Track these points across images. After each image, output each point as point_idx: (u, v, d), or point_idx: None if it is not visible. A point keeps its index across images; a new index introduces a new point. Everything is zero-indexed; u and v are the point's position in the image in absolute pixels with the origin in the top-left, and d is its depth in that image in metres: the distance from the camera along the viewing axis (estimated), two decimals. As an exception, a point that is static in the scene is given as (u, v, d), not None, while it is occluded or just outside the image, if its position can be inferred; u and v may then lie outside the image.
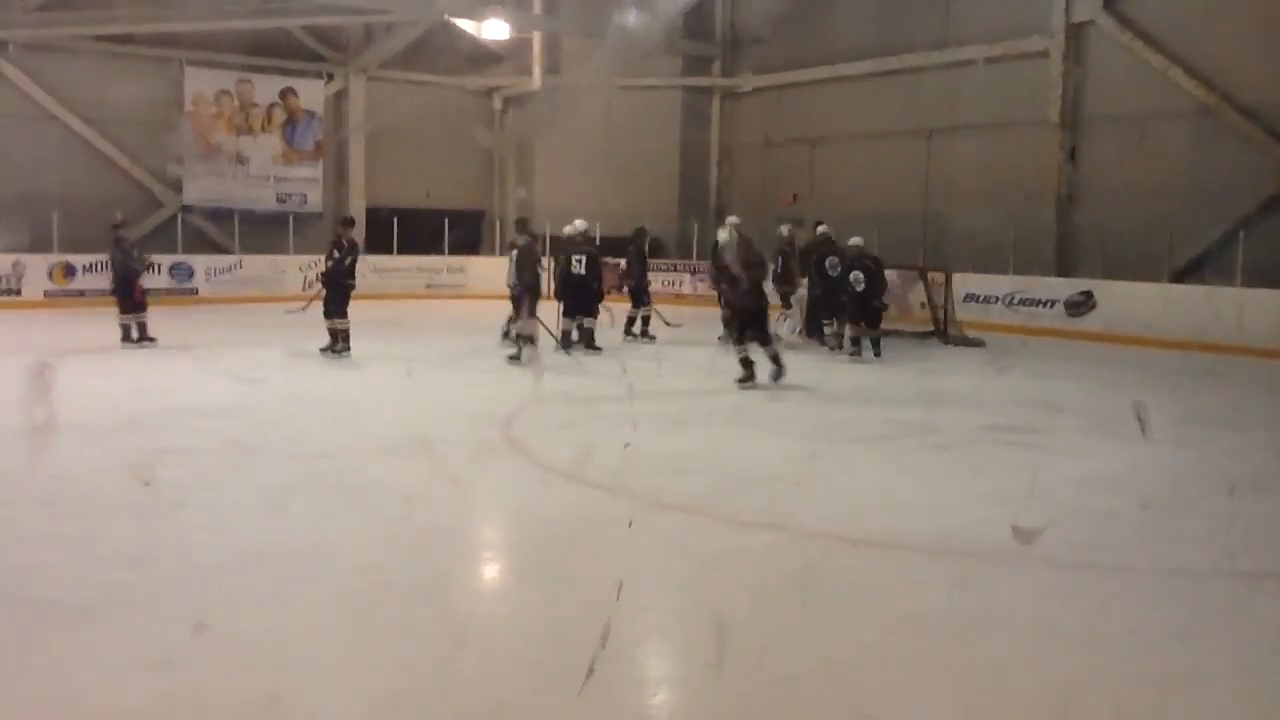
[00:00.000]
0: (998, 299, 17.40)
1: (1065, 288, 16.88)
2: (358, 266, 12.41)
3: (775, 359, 10.75)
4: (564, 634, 4.40)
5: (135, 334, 12.65)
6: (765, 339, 10.83)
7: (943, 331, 15.27)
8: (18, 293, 18.36)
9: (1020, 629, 4.57)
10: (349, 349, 12.16)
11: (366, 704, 3.74)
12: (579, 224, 13.78)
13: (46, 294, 18.46)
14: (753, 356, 10.70)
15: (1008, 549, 5.66)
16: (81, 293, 18.71)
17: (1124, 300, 16.03)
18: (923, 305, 15.72)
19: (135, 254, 13.27)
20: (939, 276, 15.73)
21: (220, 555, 5.29)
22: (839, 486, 7.06)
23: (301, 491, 6.58)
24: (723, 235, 11.94)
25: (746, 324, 10.82)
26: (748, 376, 10.65)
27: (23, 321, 15.62)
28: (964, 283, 16.75)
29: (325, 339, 12.06)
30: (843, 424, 9.24)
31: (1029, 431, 8.96)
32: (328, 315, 12.21)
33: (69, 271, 18.80)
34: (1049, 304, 16.90)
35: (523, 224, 13.66)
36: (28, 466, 7.04)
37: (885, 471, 7.52)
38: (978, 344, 14.93)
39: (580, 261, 13.42)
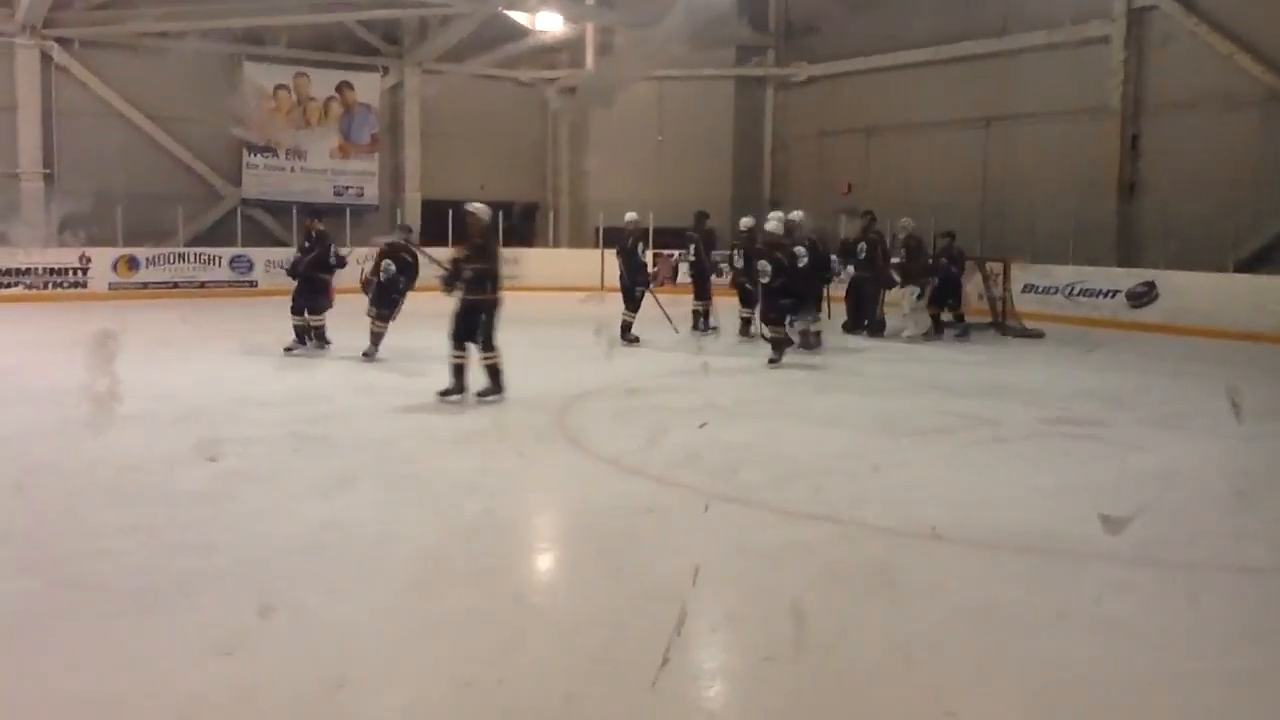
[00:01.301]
0: (1057, 290, 17.13)
1: (1127, 278, 16.57)
2: (332, 258, 12.06)
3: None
4: (622, 625, 4.41)
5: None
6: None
7: (1001, 323, 15.08)
8: (84, 285, 18.76)
9: (1083, 625, 4.50)
10: (328, 344, 12.03)
11: (428, 691, 3.77)
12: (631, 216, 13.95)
13: (111, 286, 18.83)
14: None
15: (1070, 544, 5.59)
16: (144, 285, 19.09)
17: (1187, 291, 15.67)
18: (981, 296, 15.53)
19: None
20: (997, 267, 15.52)
21: (281, 543, 5.37)
22: (898, 480, 7.00)
23: (361, 480, 6.65)
24: (771, 224, 12.17)
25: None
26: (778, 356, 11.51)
27: (88, 313, 15.94)
28: (1023, 273, 16.53)
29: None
30: (901, 417, 9.15)
31: (1091, 425, 8.82)
32: (295, 311, 11.99)
33: (133, 264, 19.16)
34: (1110, 295, 16.61)
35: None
36: (95, 457, 7.18)
37: (945, 465, 7.44)
38: (1037, 335, 14.74)
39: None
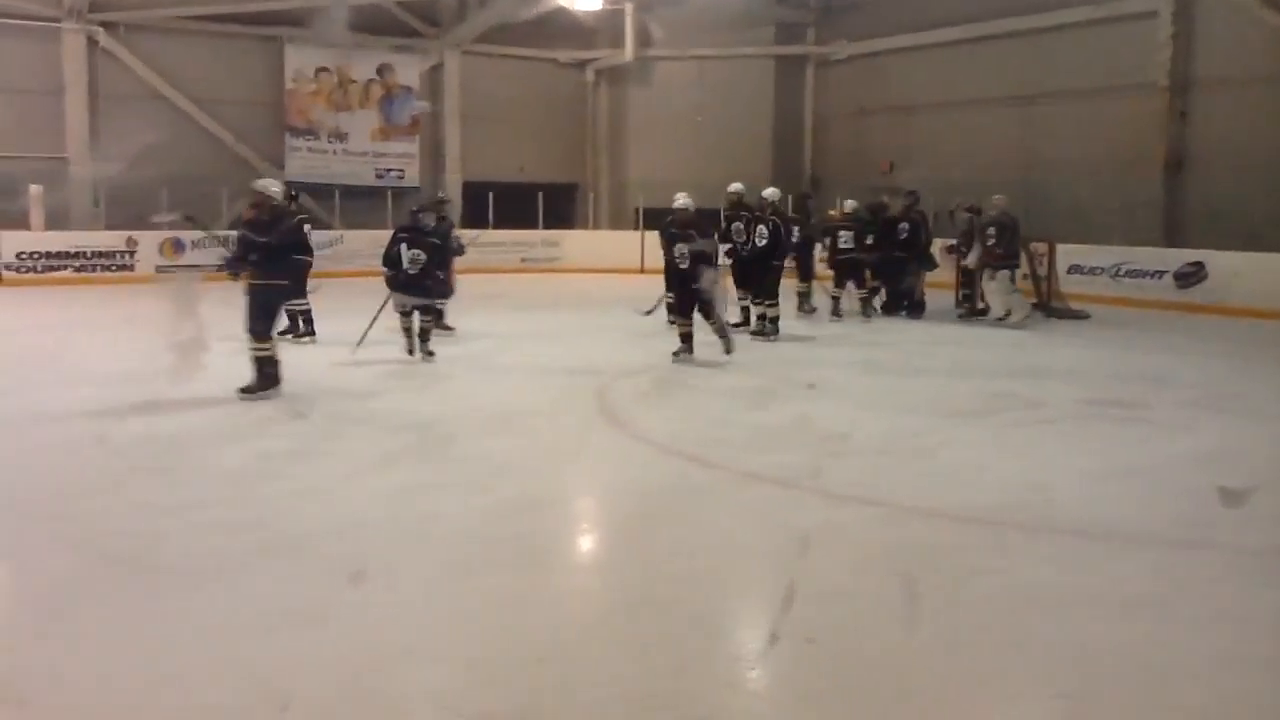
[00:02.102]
0: (1103, 270, 16.90)
1: (1174, 258, 16.30)
2: (310, 240, 11.16)
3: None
4: (663, 604, 4.42)
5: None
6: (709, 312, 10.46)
7: (1045, 304, 14.91)
8: (130, 268, 19.02)
9: (1127, 608, 4.46)
10: (313, 332, 11.56)
11: (467, 670, 3.81)
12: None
13: (158, 268, 19.07)
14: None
15: (1114, 526, 5.54)
16: (190, 267, 19.30)
17: (1236, 272, 15.37)
18: (1025, 277, 15.35)
19: (454, 235, 12.21)
20: (1041, 247, 15.32)
21: (326, 522, 5.44)
22: (937, 461, 6.96)
23: (402, 461, 6.71)
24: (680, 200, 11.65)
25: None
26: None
27: (134, 296, 16.16)
28: (1068, 254, 16.30)
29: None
30: (942, 397, 9.09)
31: (1135, 406, 8.72)
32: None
33: (178, 247, 19.40)
34: (1157, 275, 16.35)
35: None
36: (141, 435, 7.30)
37: (986, 446, 7.38)
38: (1082, 316, 14.56)
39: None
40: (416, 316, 10.33)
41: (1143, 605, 4.48)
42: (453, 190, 24.07)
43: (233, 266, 8.69)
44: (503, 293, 17.27)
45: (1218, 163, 16.81)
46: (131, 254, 19.15)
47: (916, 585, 4.64)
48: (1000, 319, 13.67)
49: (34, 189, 19.12)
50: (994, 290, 13.84)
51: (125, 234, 19.16)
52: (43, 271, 18.50)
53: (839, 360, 10.99)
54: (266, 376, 8.39)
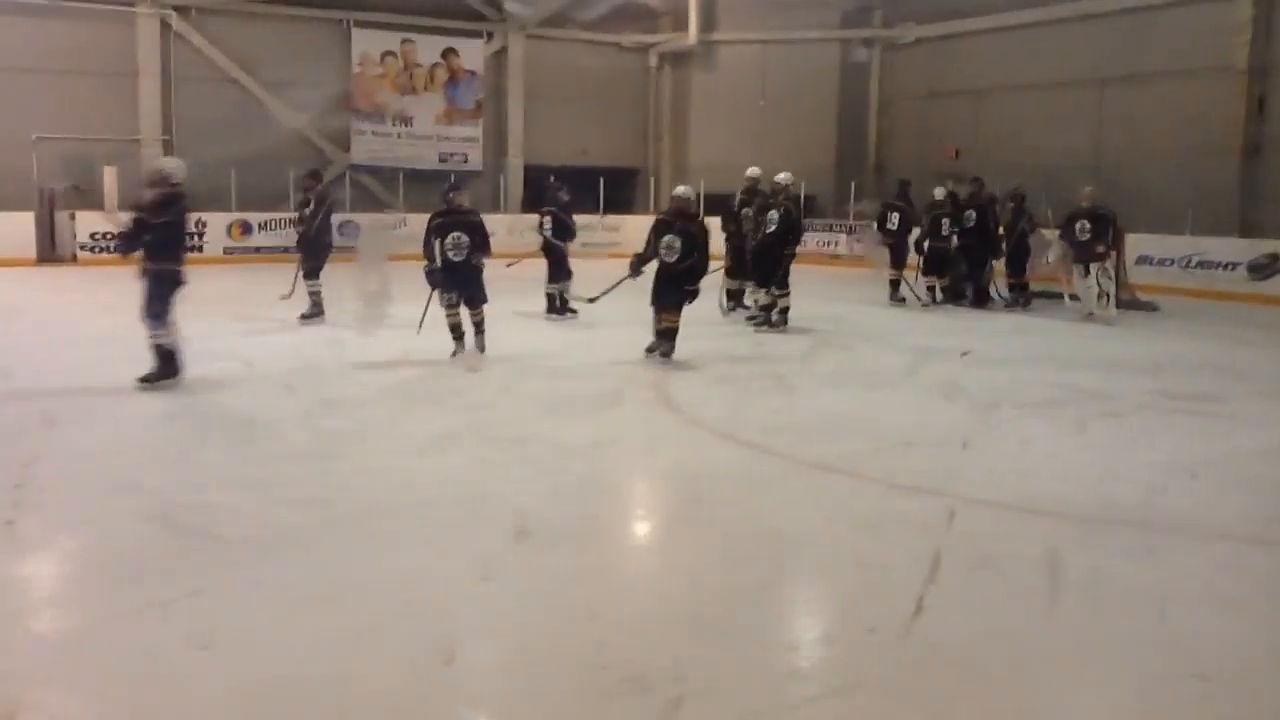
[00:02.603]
0: (1173, 261, 16.53)
1: (1249, 249, 15.91)
2: (331, 222, 11.59)
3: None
4: (719, 589, 4.42)
5: (559, 303, 12.22)
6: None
7: (1114, 295, 14.60)
8: (200, 250, 19.33)
9: (1193, 603, 4.37)
10: (323, 313, 11.58)
11: (527, 649, 3.84)
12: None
13: (226, 250, 19.40)
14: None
15: (1181, 520, 5.44)
16: (258, 249, 19.63)
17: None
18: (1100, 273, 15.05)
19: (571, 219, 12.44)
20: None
21: (388, 500, 5.52)
22: (1005, 452, 6.87)
23: (462, 442, 6.77)
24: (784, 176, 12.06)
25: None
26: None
27: (205, 277, 16.43)
28: (1138, 244, 15.97)
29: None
30: (1010, 388, 8.95)
31: (1207, 399, 8.53)
32: (307, 277, 11.62)
33: (245, 229, 19.72)
34: (1230, 267, 15.97)
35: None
36: (210, 413, 7.46)
37: (1055, 438, 7.26)
38: (1151, 308, 14.25)
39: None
40: (465, 313, 9.50)
41: (1209, 601, 4.39)
42: (514, 174, 24.21)
43: (124, 248, 8.16)
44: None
45: (1297, 151, 16.37)
46: (200, 235, 19.47)
47: (977, 576, 4.59)
48: (1090, 314, 13.00)
49: (108, 170, 19.53)
50: (1086, 286, 13.09)
51: (195, 215, 19.45)
52: (114, 252, 18.83)
53: (899, 350, 10.88)
54: (166, 364, 7.96)
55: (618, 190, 24.36)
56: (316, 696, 3.46)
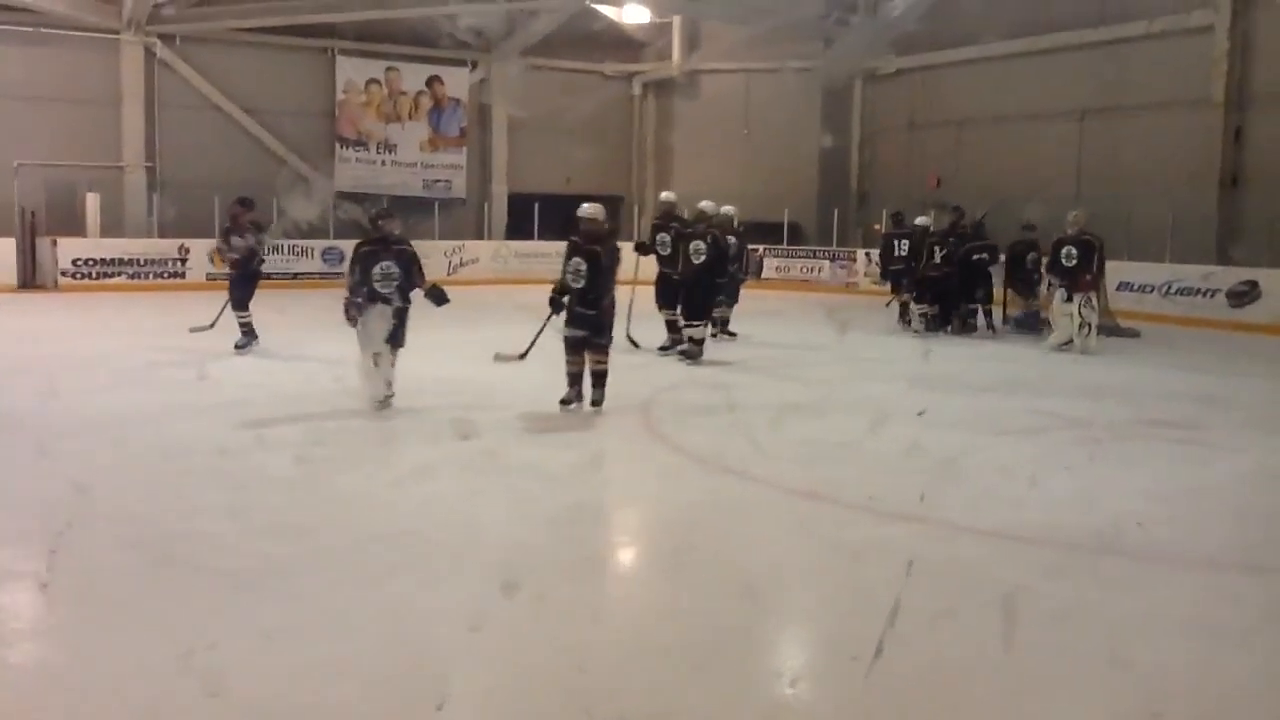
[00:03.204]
0: (1153, 288, 16.67)
1: (1227, 277, 16.04)
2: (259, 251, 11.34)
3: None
4: (704, 619, 4.41)
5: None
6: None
7: (1094, 325, 14.66)
8: (182, 275, 19.32)
9: (1178, 630, 4.39)
10: (257, 337, 11.22)
11: (511, 679, 3.82)
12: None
13: (208, 276, 19.33)
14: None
15: (1164, 548, 5.46)
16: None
17: (1292, 291, 15.14)
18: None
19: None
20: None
21: (371, 529, 5.48)
22: (985, 479, 6.89)
23: (447, 471, 6.75)
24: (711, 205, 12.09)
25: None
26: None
27: (187, 303, 16.39)
28: (1118, 271, 16.04)
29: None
30: (989, 415, 8.99)
31: (1188, 427, 8.58)
32: (236, 307, 11.15)
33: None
34: (1209, 294, 16.10)
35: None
36: (192, 440, 7.41)
37: (1034, 465, 7.28)
38: (1132, 335, 14.34)
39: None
40: (386, 351, 8.30)
41: (1194, 628, 4.41)
42: (498, 201, 24.25)
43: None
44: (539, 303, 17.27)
45: (1274, 180, 16.50)
46: (183, 261, 19.44)
47: (962, 603, 4.60)
48: (1067, 344, 12.60)
49: (90, 196, 19.49)
50: (1065, 313, 12.65)
51: (178, 242, 19.46)
52: (97, 278, 18.82)
53: (884, 377, 10.92)
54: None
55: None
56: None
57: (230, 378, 9.68)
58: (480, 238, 23.20)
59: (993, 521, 5.82)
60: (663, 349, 11.83)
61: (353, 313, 8.19)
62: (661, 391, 9.68)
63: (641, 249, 11.99)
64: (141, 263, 19.22)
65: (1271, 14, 16.86)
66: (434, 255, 21.05)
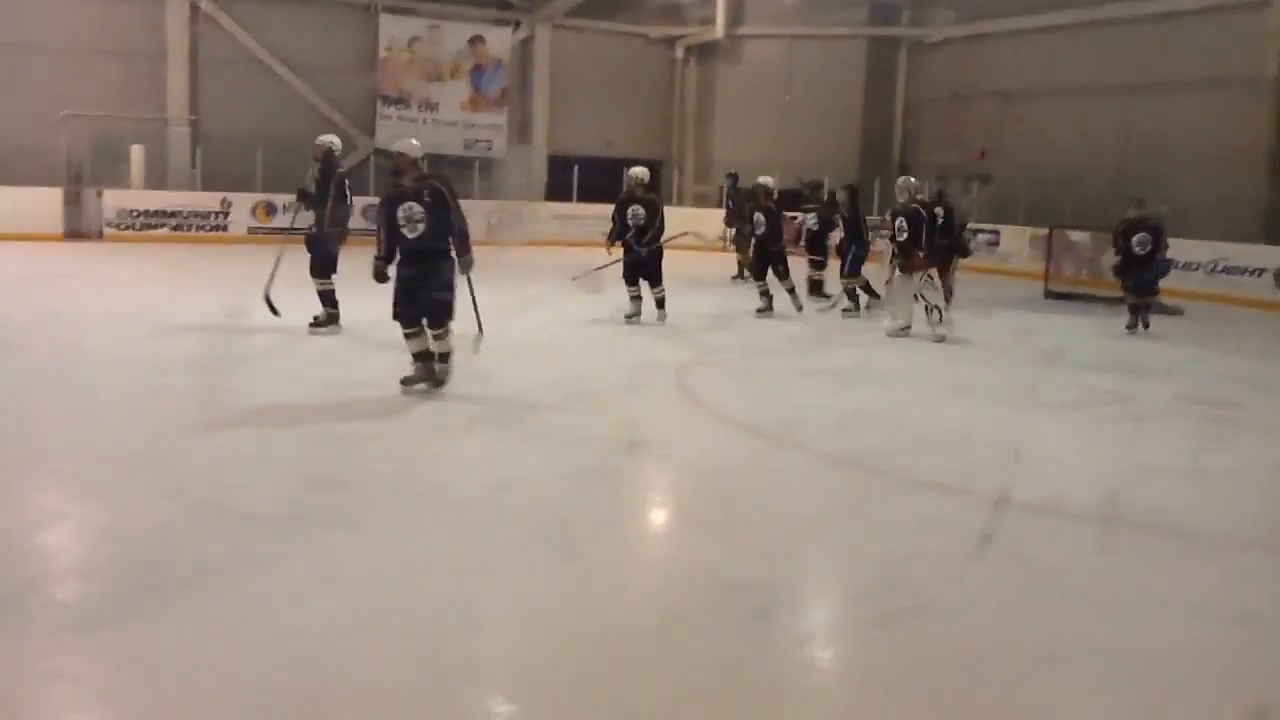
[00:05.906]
0: (1198, 266, 16.41)
1: (1275, 256, 15.80)
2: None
3: (792, 292, 12.39)
4: (731, 579, 4.42)
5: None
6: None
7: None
8: (224, 229, 19.49)
9: (1213, 612, 4.34)
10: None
11: (537, 640, 3.86)
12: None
13: (250, 230, 19.50)
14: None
15: (1202, 527, 5.41)
16: (281, 230, 19.67)
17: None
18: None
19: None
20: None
21: (408, 484, 5.54)
22: (1023, 452, 6.83)
23: (482, 431, 6.80)
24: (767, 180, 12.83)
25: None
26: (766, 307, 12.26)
27: (227, 256, 16.54)
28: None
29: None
30: (1030, 388, 8.92)
31: (1230, 406, 8.48)
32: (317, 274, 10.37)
33: (270, 210, 19.79)
34: (1256, 273, 15.87)
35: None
36: (232, 392, 7.50)
37: (1074, 440, 7.23)
38: (1175, 312, 14.16)
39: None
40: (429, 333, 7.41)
41: (1229, 609, 4.36)
42: (536, 162, 24.21)
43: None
44: (583, 264, 17.29)
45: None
46: (225, 214, 19.61)
47: (992, 576, 4.59)
48: (903, 329, 11.19)
49: (135, 149, 19.66)
50: (902, 294, 11.26)
51: (220, 195, 19.63)
52: (141, 229, 19.03)
53: (920, 348, 10.84)
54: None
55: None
56: (319, 684, 3.47)
57: (273, 331, 9.75)
58: (519, 199, 23.21)
59: (1029, 495, 5.78)
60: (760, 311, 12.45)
61: (381, 269, 7.23)
62: (700, 358, 9.67)
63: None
64: (184, 215, 19.40)
65: (1330, -10, 16.50)
66: (473, 216, 21.04)
